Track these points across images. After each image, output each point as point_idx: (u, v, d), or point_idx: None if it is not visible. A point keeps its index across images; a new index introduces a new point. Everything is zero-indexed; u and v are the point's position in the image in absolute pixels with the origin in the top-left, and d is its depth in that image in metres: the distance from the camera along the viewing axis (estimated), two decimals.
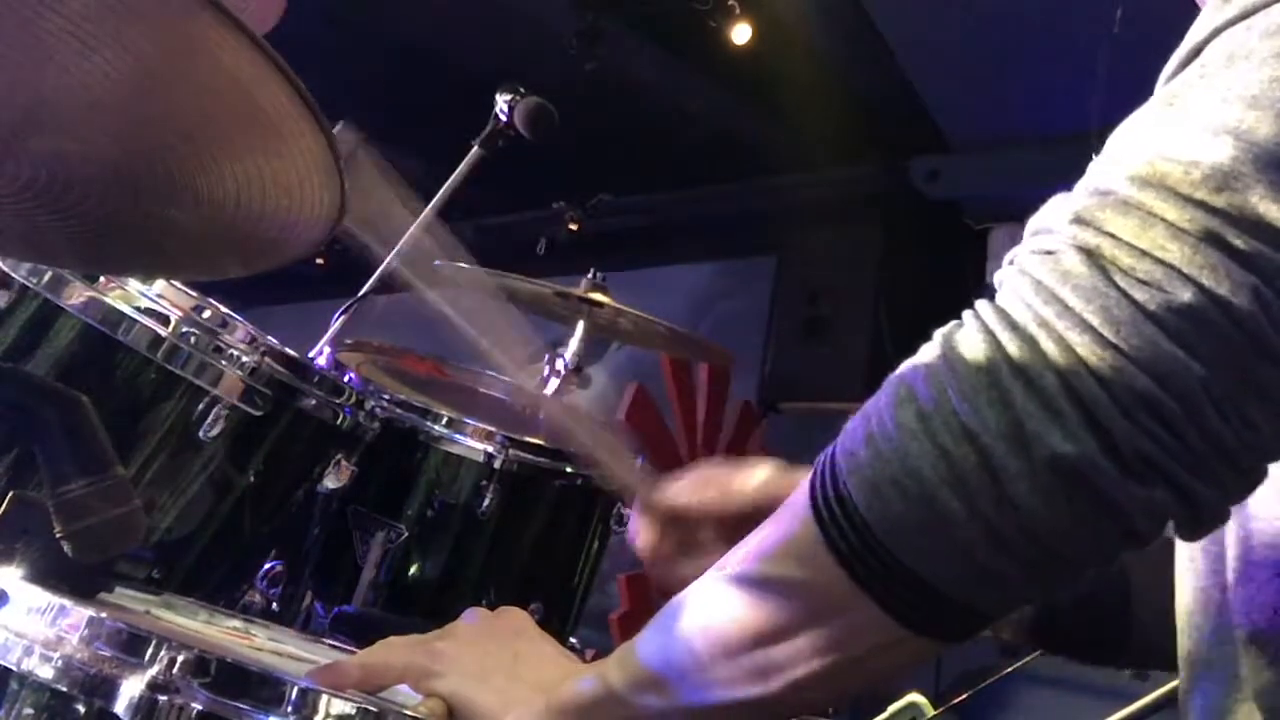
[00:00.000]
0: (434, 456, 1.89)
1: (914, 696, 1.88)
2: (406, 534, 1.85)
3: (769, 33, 4.46)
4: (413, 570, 1.87)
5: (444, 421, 1.89)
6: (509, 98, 2.42)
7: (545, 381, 2.41)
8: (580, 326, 2.54)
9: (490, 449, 1.87)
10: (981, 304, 0.64)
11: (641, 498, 0.98)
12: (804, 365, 5.18)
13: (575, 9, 4.53)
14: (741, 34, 4.46)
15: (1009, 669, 2.18)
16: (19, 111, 0.78)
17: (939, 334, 0.65)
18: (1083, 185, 0.65)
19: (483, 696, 0.79)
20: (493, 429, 1.89)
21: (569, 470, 1.95)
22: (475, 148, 2.44)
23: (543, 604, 1.92)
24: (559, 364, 2.42)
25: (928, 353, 0.64)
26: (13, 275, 1.42)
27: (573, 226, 5.82)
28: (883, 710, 1.90)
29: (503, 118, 2.42)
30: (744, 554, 0.71)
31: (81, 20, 0.70)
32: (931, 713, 1.88)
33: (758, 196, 5.60)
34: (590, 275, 2.57)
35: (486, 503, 1.85)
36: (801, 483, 0.68)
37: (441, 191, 2.43)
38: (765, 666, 0.68)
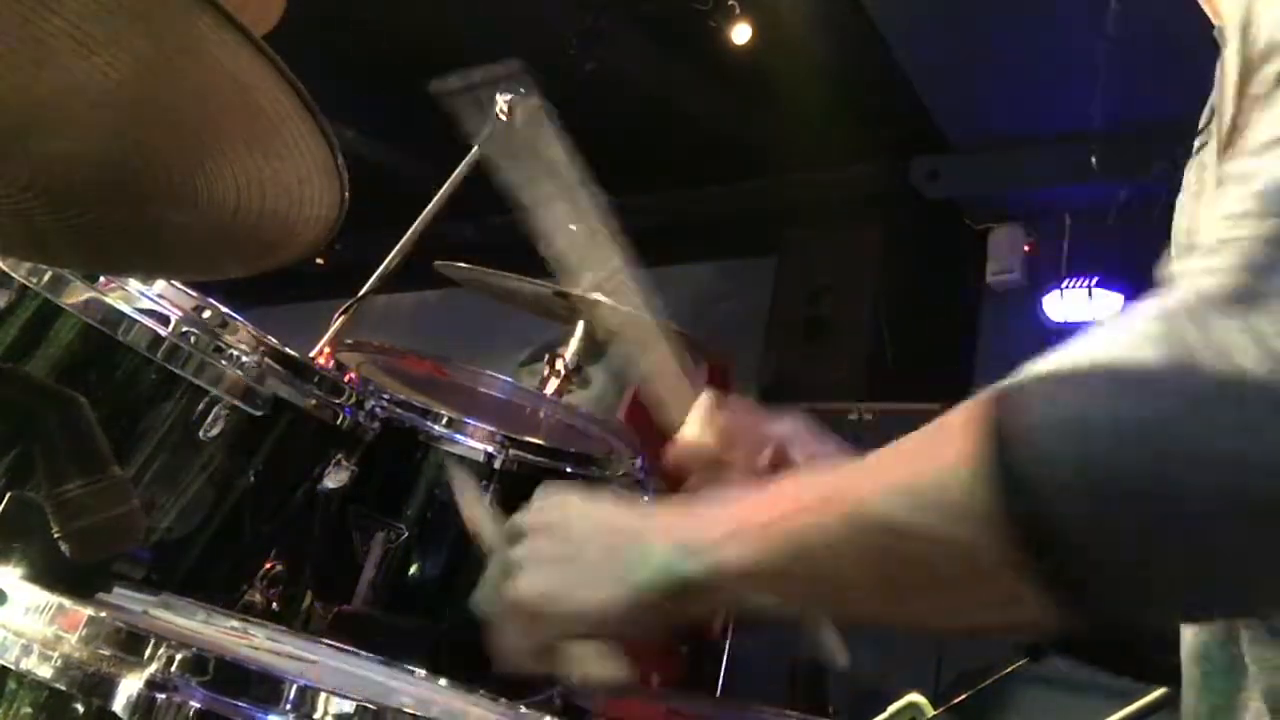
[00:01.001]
0: (434, 456, 1.88)
1: (914, 696, 1.88)
2: (406, 534, 1.85)
3: (769, 33, 4.46)
4: (413, 570, 1.87)
5: (444, 421, 1.89)
6: (509, 97, 2.42)
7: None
8: (580, 326, 2.54)
9: (490, 449, 1.87)
10: (1183, 294, 0.59)
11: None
12: (804, 365, 5.18)
13: (575, 9, 4.53)
14: (741, 34, 4.46)
15: (1009, 669, 2.18)
16: (19, 111, 0.78)
17: (1142, 331, 0.59)
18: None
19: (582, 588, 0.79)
20: (493, 429, 1.89)
21: (569, 470, 1.95)
22: (475, 148, 2.44)
23: None
24: (559, 364, 2.42)
25: (1143, 345, 0.58)
26: (13, 275, 1.42)
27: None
28: (883, 710, 1.90)
29: (503, 118, 2.42)
30: (882, 483, 0.66)
31: (81, 20, 0.70)
32: (931, 713, 1.88)
33: (758, 196, 5.61)
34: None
35: (486, 503, 1.85)
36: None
37: (441, 191, 2.43)
38: (891, 598, 0.67)
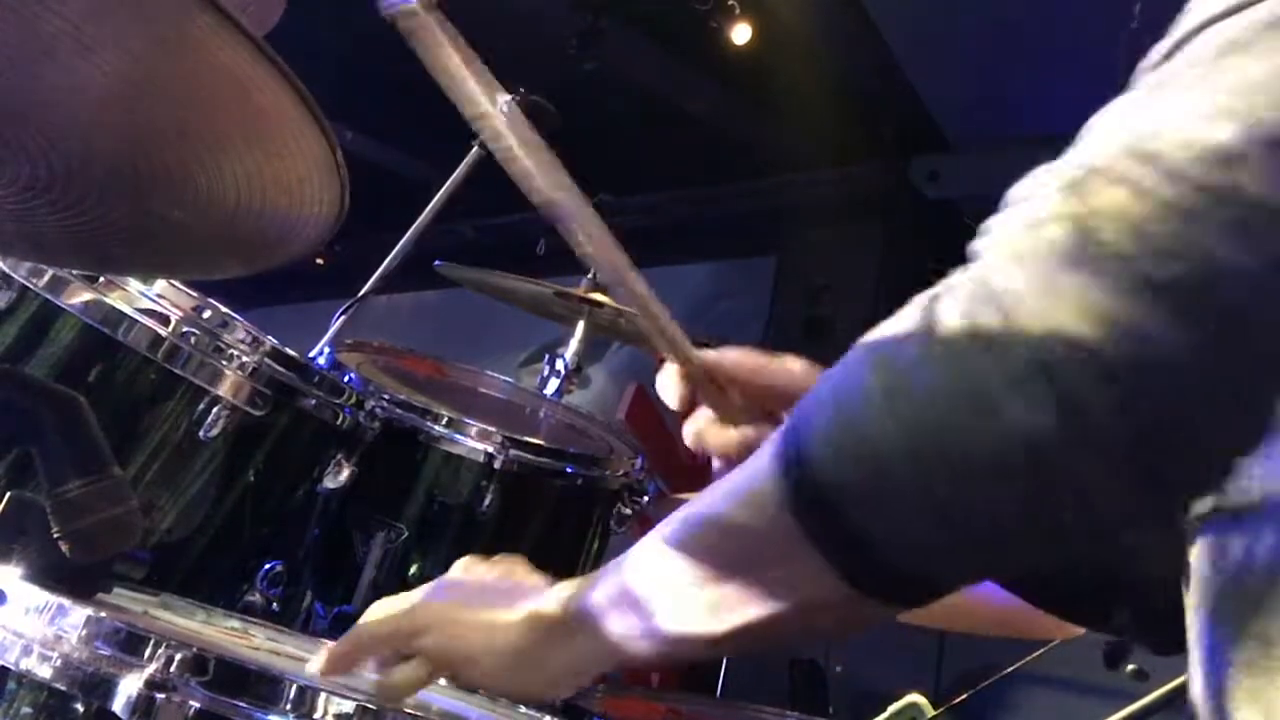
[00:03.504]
0: (434, 456, 1.88)
1: (914, 697, 1.89)
2: (406, 534, 1.85)
3: (769, 33, 4.46)
4: (413, 570, 1.87)
5: (444, 421, 1.89)
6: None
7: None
8: (580, 326, 2.54)
9: (490, 449, 1.87)
10: (959, 273, 0.64)
11: (679, 354, 0.98)
12: None
13: (575, 9, 4.53)
14: (741, 34, 4.46)
15: (1009, 669, 2.18)
16: (19, 111, 0.78)
17: (916, 301, 0.65)
18: (1068, 159, 0.64)
19: (465, 640, 0.80)
20: (493, 429, 1.89)
21: (569, 470, 1.95)
22: (475, 148, 2.44)
23: None
24: (559, 364, 2.42)
25: (904, 319, 0.65)
26: (13, 275, 1.42)
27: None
28: (883, 710, 1.90)
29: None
30: (716, 493, 0.74)
31: (81, 20, 0.70)
32: (931, 713, 1.88)
33: (758, 196, 5.60)
34: (590, 275, 2.57)
35: (486, 503, 1.85)
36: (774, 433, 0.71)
37: (441, 191, 2.44)
38: (717, 604, 0.71)
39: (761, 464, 0.69)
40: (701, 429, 1.02)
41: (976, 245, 0.65)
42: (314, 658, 0.85)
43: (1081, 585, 0.95)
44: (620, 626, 0.76)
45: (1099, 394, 0.56)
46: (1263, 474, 0.65)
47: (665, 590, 0.74)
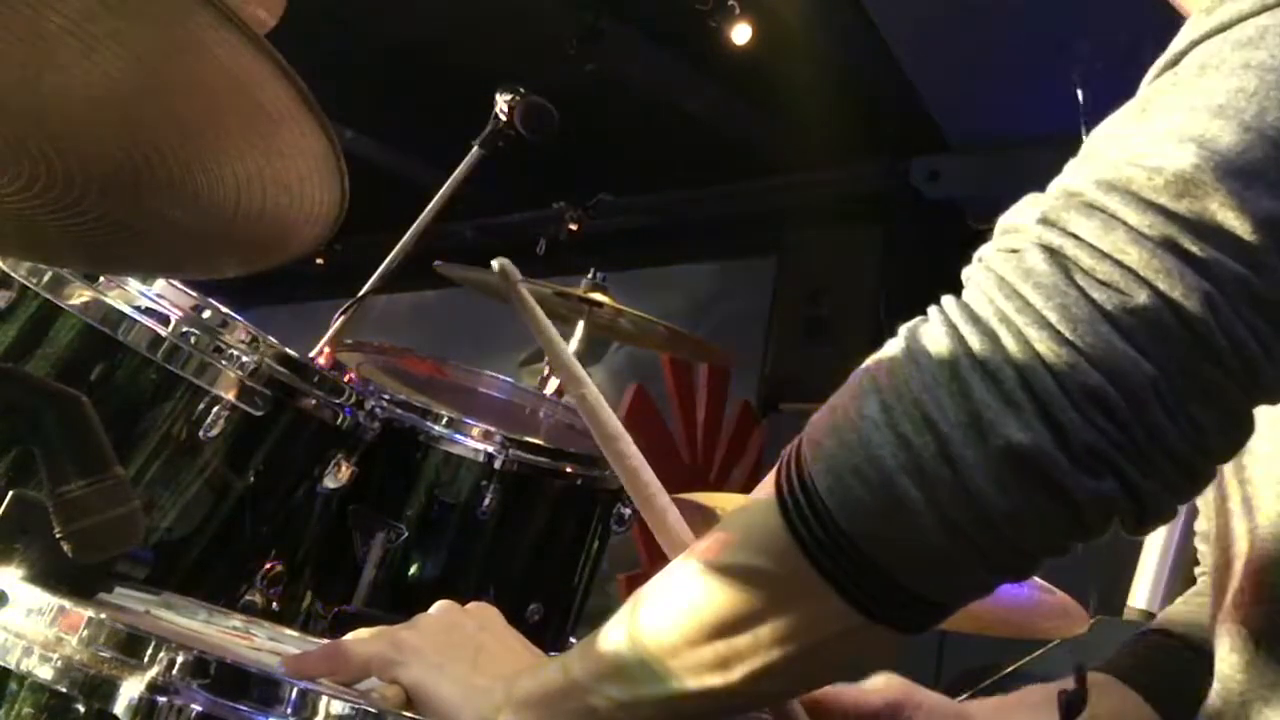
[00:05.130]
0: (434, 456, 1.88)
1: None
2: (406, 534, 1.85)
3: (769, 33, 4.46)
4: (413, 570, 1.87)
5: (444, 421, 1.89)
6: (509, 98, 2.43)
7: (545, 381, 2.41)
8: (580, 326, 2.54)
9: (490, 449, 1.87)
10: (947, 299, 0.66)
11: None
12: (804, 365, 5.18)
13: (575, 9, 4.53)
14: (741, 34, 4.46)
15: (1009, 669, 2.18)
16: (19, 111, 0.78)
17: (904, 329, 0.67)
18: (1054, 186, 0.67)
19: (443, 686, 0.79)
20: (493, 429, 1.89)
21: (569, 470, 1.95)
22: (475, 148, 2.44)
23: (543, 604, 1.91)
24: None
25: (893, 347, 0.66)
26: (13, 275, 1.42)
27: (573, 226, 5.81)
28: None
29: (503, 118, 2.42)
30: (710, 544, 0.72)
31: (81, 20, 0.70)
32: None
33: (758, 196, 5.60)
34: (590, 275, 2.57)
35: (486, 503, 1.85)
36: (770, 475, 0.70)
37: (441, 191, 2.44)
38: (726, 655, 0.69)
39: (758, 507, 0.69)
40: None
41: (965, 272, 0.68)
42: (290, 655, 0.85)
43: None
44: (617, 696, 0.73)
45: (1081, 412, 0.59)
46: None
47: (665, 649, 0.71)
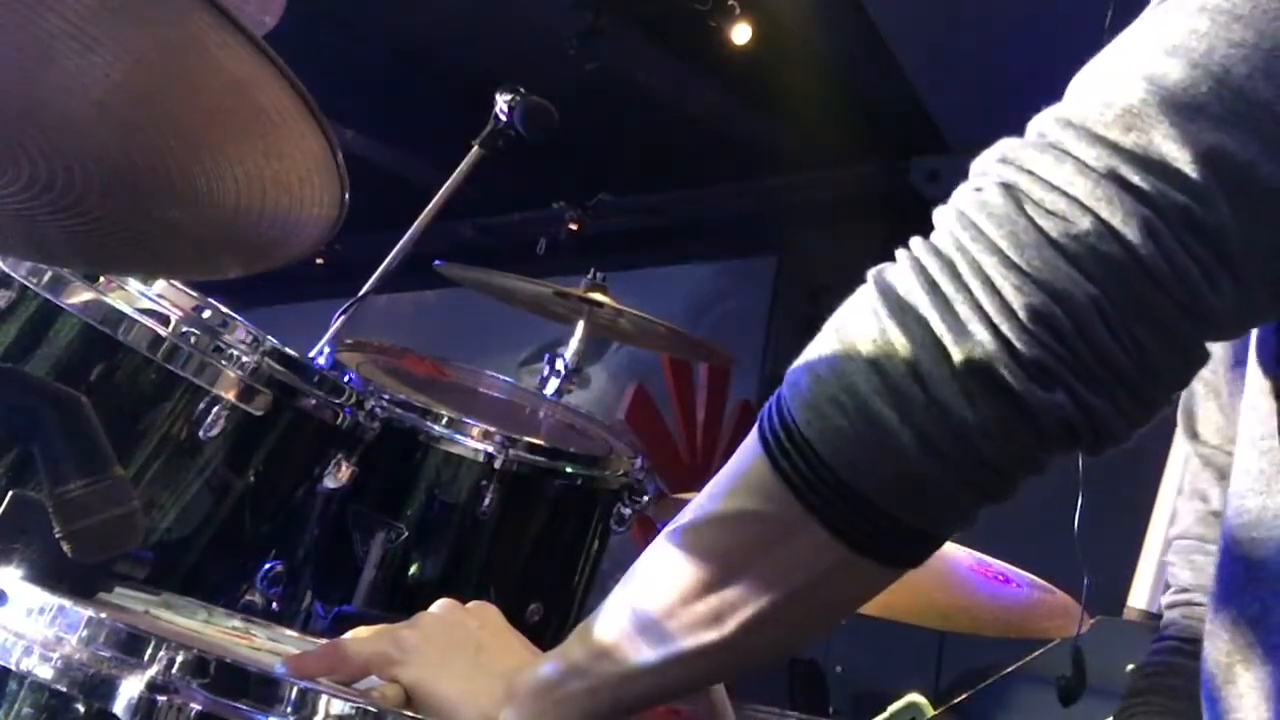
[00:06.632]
0: (434, 456, 1.88)
1: (914, 697, 1.88)
2: (406, 534, 1.85)
3: (769, 33, 4.46)
4: (413, 570, 1.87)
5: (444, 421, 1.89)
6: (509, 98, 2.42)
7: (544, 381, 2.41)
8: (580, 326, 2.54)
9: (490, 449, 1.87)
10: (914, 239, 0.70)
11: None
12: None
13: (575, 9, 4.53)
14: (741, 34, 4.46)
15: (1009, 669, 2.18)
16: (19, 111, 0.78)
17: (871, 271, 0.72)
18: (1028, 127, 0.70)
19: (443, 685, 0.80)
20: (493, 429, 1.89)
21: (569, 470, 1.95)
22: (475, 148, 2.44)
23: (543, 604, 1.91)
24: (559, 364, 2.42)
25: (862, 289, 0.71)
26: (13, 275, 1.42)
27: (573, 226, 5.82)
28: (883, 710, 1.90)
29: (503, 118, 2.42)
30: (696, 501, 0.74)
31: (81, 20, 0.70)
32: (931, 713, 1.88)
33: (758, 196, 5.61)
34: (590, 275, 2.57)
35: (486, 503, 1.85)
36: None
37: (442, 191, 2.43)
38: (719, 608, 0.71)
39: (743, 454, 0.72)
40: None
41: (935, 213, 0.72)
42: (290, 655, 0.85)
43: None
44: (617, 670, 0.74)
45: (1028, 331, 0.63)
46: None
47: (660, 612, 0.72)
